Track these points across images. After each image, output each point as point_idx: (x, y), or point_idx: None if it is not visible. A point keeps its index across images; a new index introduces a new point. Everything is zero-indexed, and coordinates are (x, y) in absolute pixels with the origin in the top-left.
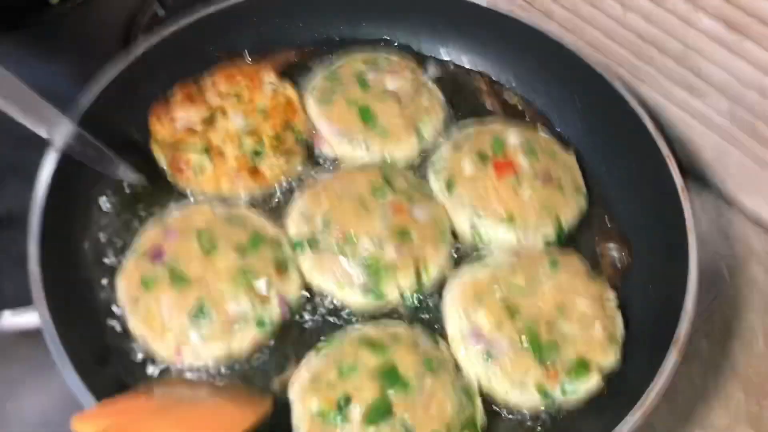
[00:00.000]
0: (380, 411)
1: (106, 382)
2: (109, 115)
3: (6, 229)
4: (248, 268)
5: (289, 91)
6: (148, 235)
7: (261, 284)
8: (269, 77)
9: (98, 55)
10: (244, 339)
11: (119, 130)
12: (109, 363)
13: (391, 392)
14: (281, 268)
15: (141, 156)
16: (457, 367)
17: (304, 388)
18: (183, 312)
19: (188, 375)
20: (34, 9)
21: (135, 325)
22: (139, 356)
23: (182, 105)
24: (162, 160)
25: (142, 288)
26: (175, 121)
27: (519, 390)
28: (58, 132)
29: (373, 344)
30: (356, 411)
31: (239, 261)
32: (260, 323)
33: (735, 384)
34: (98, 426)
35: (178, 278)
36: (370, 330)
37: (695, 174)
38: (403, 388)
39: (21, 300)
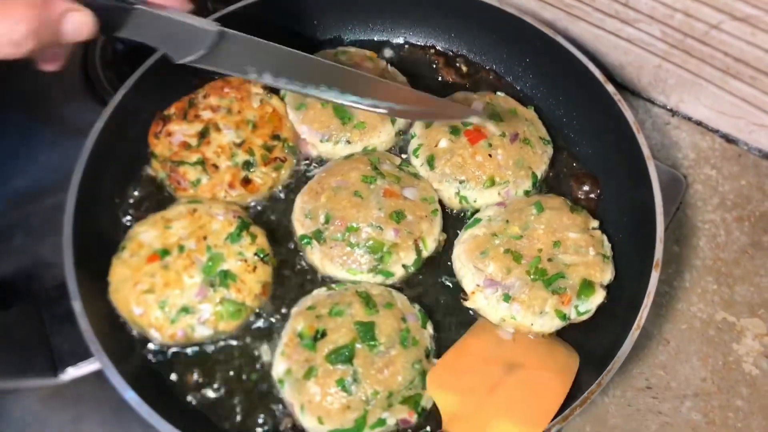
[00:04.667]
0: (342, 355)
1: (166, 401)
2: (114, 139)
3: (37, 289)
4: None
5: (275, 101)
6: None
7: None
8: (256, 88)
9: (62, 94)
10: None
11: (124, 150)
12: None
13: (359, 345)
14: None
15: (144, 172)
16: (428, 355)
17: (301, 310)
18: None
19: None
20: None
21: None
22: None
23: (177, 121)
24: (161, 174)
25: None
26: (171, 137)
27: (541, 319)
28: None
29: (368, 301)
30: (325, 346)
31: None
32: None
33: (707, 276)
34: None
35: None
36: (373, 289)
37: (641, 94)
38: (371, 346)
39: (78, 354)
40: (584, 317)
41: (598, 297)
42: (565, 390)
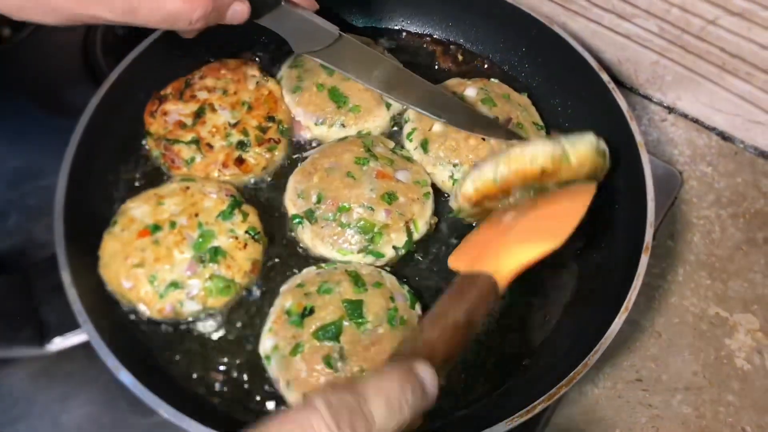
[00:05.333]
0: (329, 332)
1: (153, 375)
2: (110, 116)
3: (30, 264)
4: None
5: (272, 84)
6: None
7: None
8: (252, 71)
9: (61, 79)
10: None
11: (119, 128)
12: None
13: (346, 323)
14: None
15: (139, 150)
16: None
17: (290, 287)
18: None
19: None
20: None
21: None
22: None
23: (173, 101)
24: (155, 152)
25: None
26: (166, 116)
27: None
28: None
29: (357, 280)
30: (312, 323)
31: None
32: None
33: (701, 271)
34: (469, 261)
35: None
36: (363, 269)
37: (638, 91)
38: (358, 324)
39: (65, 325)
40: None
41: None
42: (585, 202)
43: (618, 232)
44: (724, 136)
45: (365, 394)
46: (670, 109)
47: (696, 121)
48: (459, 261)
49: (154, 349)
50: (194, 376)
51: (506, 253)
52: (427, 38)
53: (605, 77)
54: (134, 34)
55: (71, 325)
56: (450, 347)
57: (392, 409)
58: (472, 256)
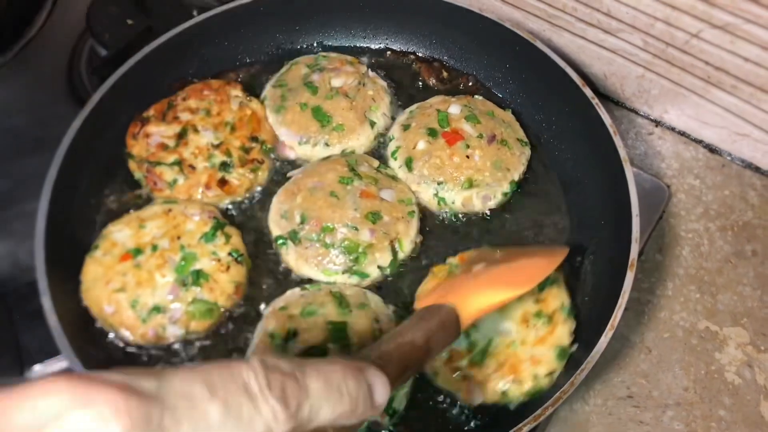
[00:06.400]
0: (313, 355)
1: None
2: (92, 139)
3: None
4: None
5: (255, 104)
6: None
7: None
8: (236, 91)
9: (46, 101)
10: None
11: (101, 151)
12: None
13: (331, 345)
14: None
15: (121, 172)
16: None
17: (273, 310)
18: None
19: None
20: None
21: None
22: None
23: (155, 122)
24: (138, 175)
25: None
26: (149, 138)
27: None
28: None
29: (341, 301)
30: (296, 346)
31: None
32: None
33: (690, 285)
34: (434, 299)
35: None
36: (347, 290)
37: (625, 105)
38: (342, 346)
39: (46, 351)
40: None
41: None
42: (555, 262)
43: (604, 248)
44: (711, 149)
45: (304, 368)
46: (657, 123)
47: (683, 134)
48: (423, 303)
49: None
50: None
51: (473, 294)
52: (411, 56)
53: (589, 92)
54: (120, 55)
55: (51, 352)
56: (404, 362)
57: (330, 387)
58: (437, 295)
